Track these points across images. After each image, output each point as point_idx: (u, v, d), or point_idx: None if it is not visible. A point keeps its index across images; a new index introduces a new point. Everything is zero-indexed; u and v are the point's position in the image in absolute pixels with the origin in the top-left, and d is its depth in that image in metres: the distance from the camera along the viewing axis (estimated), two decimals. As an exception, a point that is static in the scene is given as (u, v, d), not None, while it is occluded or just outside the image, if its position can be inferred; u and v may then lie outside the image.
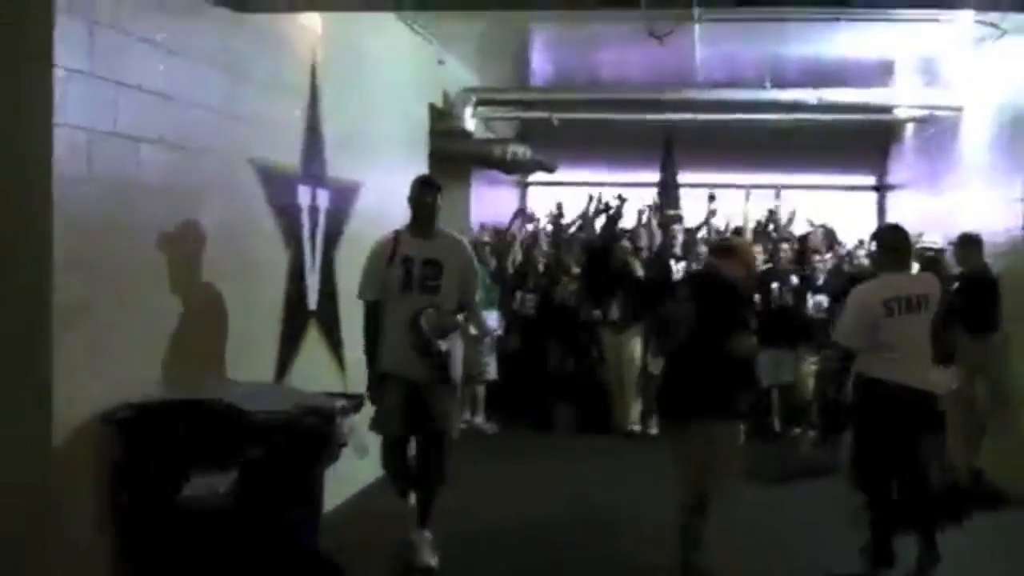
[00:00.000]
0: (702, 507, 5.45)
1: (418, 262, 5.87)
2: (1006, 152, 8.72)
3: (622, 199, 10.97)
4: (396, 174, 8.27)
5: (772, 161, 14.03)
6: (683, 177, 14.21)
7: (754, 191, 11.93)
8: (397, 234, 5.99)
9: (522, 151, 11.11)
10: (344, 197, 7.48)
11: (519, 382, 10.50)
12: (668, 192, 10.70)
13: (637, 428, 10.19)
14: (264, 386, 5.09)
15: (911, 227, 11.33)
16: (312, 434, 4.49)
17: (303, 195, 6.79)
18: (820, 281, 9.96)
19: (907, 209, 12.76)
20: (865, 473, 5.85)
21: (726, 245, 5.98)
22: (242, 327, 5.76)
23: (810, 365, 9.83)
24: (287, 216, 6.52)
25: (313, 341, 6.90)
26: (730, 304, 5.43)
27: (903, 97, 10.82)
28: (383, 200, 7.84)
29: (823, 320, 9.64)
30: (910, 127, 12.60)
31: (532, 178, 14.82)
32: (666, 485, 5.75)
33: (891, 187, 14.24)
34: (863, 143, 14.16)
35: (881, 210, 14.56)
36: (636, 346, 10.21)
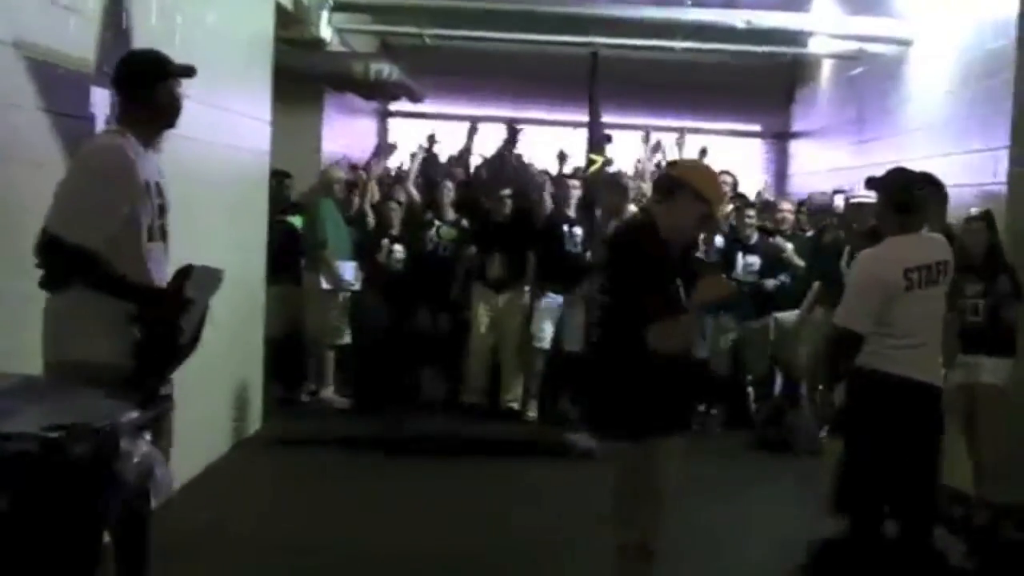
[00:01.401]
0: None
1: (154, 190, 3.92)
2: (973, 95, 7.52)
3: (515, 128, 9.36)
4: (231, 87, 6.71)
5: (668, 101, 12.75)
6: (561, 114, 12.80)
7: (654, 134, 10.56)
8: (126, 140, 3.88)
9: (388, 70, 9.42)
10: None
11: (380, 347, 8.87)
12: (594, 131, 9.17)
13: (515, 406, 8.77)
14: (10, 382, 3.38)
15: (826, 181, 10.33)
16: (80, 470, 2.83)
17: (99, 101, 4.97)
18: (753, 240, 8.66)
19: (819, 159, 11.60)
20: (863, 496, 4.49)
21: (665, 179, 4.23)
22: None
23: (728, 338, 8.54)
24: (74, 130, 4.73)
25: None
26: (647, 274, 3.85)
27: (841, 26, 9.44)
28: (214, 118, 6.26)
29: (753, 284, 8.41)
30: (828, 65, 11.39)
31: (394, 108, 13.17)
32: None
33: (795, 135, 13.08)
34: (764, 83, 12.97)
35: (782, 160, 13.40)
36: (518, 311, 8.77)
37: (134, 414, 3.08)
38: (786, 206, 9.07)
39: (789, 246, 8.53)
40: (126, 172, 3.77)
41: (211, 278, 4.06)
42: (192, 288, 3.87)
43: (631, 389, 3.88)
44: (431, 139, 9.83)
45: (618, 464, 4.00)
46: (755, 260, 8.53)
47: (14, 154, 4.27)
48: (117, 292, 3.72)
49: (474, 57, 12.16)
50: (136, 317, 3.71)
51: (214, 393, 6.80)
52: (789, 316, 8.22)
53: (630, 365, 3.87)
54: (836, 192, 8.95)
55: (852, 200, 7.39)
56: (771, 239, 8.65)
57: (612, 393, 3.97)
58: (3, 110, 4.19)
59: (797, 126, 12.96)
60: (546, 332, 8.61)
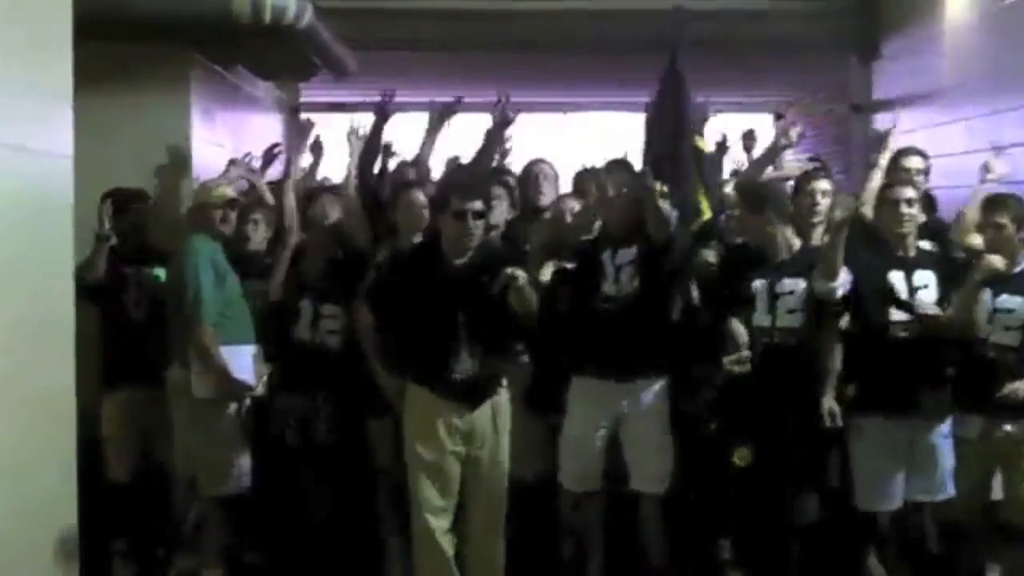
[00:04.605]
0: None
1: None
2: None
3: (505, 110, 5.88)
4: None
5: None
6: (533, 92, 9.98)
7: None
8: None
9: (295, 8, 5.74)
10: None
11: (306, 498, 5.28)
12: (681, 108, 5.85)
13: None
14: None
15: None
16: None
17: None
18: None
19: (941, 144, 7.98)
20: None
21: None
22: None
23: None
24: None
25: None
26: None
27: None
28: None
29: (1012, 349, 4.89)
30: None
31: (306, 96, 9.63)
32: None
33: (882, 105, 9.69)
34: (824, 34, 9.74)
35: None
36: (504, 440, 4.92)
37: None
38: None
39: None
40: None
41: None
42: None
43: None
44: (377, 127, 5.91)
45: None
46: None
47: None
48: None
49: (422, 17, 8.72)
50: None
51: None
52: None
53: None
54: None
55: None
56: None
57: None
58: None
59: (885, 92, 9.56)
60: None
